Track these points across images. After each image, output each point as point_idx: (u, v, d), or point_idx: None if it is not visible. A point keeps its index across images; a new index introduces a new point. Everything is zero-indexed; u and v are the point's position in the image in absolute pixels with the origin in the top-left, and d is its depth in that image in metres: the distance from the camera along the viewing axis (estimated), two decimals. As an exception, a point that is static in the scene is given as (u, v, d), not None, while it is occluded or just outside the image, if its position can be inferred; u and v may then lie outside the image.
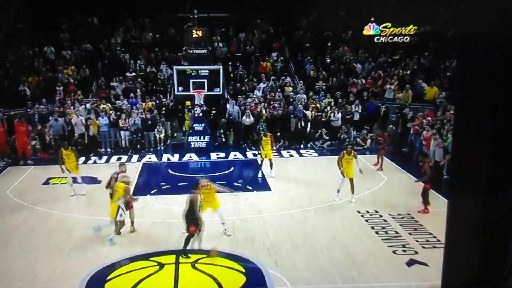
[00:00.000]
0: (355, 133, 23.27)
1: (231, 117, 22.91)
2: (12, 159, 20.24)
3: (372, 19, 27.26)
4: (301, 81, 26.76)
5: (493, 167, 2.57)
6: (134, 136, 22.04)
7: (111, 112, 22.26)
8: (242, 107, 23.11)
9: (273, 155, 18.39)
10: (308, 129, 22.69)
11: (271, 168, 17.84)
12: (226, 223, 12.77)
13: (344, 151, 15.39)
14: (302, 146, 22.49)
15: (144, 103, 23.31)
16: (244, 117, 22.51)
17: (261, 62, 27.50)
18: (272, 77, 26.20)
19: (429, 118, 20.01)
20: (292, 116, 22.73)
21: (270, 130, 21.63)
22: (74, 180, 16.28)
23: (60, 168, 15.82)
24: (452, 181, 3.31)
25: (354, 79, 26.14)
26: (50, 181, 17.57)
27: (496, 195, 2.59)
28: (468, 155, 2.71)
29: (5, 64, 25.45)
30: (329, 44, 28.86)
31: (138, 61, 27.17)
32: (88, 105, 22.98)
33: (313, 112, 22.76)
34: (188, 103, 23.85)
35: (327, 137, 22.39)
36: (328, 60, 27.84)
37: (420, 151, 18.73)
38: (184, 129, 23.82)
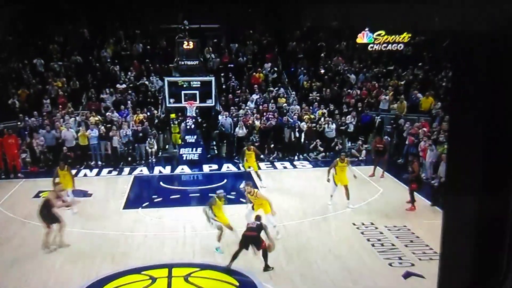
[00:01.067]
0: (350, 145, 23.18)
1: (223, 129, 22.75)
2: (2, 173, 20.05)
3: (366, 28, 27.32)
4: (293, 92, 26.69)
5: (488, 172, 2.55)
6: (125, 148, 21.79)
7: (100, 125, 22.00)
8: (235, 119, 22.98)
9: (267, 167, 18.29)
10: (302, 140, 22.57)
11: (260, 180, 17.73)
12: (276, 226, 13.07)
13: (338, 159, 15.58)
14: (296, 157, 22.35)
15: (135, 115, 23.09)
16: (237, 128, 22.36)
17: (254, 73, 27.39)
18: (267, 88, 26.13)
19: (425, 129, 19.95)
20: (286, 127, 22.60)
21: (264, 141, 21.63)
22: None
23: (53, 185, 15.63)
24: (448, 187, 3.24)
25: (349, 90, 26.09)
26: (40, 194, 17.28)
27: (491, 200, 2.57)
28: (464, 160, 2.69)
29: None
30: (322, 54, 28.82)
31: (129, 73, 27.00)
32: (78, 118, 22.79)
33: (307, 124, 22.64)
34: (173, 115, 23.63)
35: (321, 149, 22.27)
36: (322, 71, 27.77)
37: (412, 153, 18.84)
38: (172, 143, 23.61)
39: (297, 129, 22.55)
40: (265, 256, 11.29)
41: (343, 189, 15.24)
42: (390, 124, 23.06)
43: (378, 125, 23.52)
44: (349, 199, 15.36)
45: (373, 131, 23.32)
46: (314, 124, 22.81)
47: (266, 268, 11.26)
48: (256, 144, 20.69)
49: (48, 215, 12.50)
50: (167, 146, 23.81)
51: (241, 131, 22.18)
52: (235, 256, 11.29)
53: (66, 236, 13.15)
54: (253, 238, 11.35)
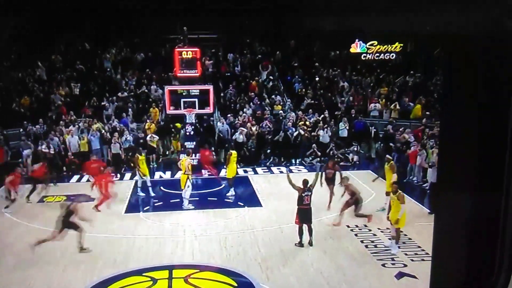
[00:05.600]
0: (343, 150, 23.49)
1: (221, 135, 23.11)
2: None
3: (358, 37, 27.73)
4: (289, 100, 27.13)
5: (480, 173, 2.58)
6: (125, 154, 22.05)
7: (102, 131, 22.35)
8: (232, 125, 23.35)
9: (263, 171, 18.71)
10: (300, 146, 22.90)
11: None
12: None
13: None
14: (292, 162, 22.70)
15: (146, 123, 23.42)
16: (236, 134, 22.66)
17: (251, 81, 27.80)
18: (263, 95, 26.51)
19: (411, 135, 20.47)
20: (282, 132, 22.96)
21: (260, 147, 22.00)
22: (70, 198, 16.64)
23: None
24: (439, 187, 3.40)
25: (342, 98, 26.51)
26: (44, 199, 17.66)
27: (483, 201, 2.60)
28: (455, 161, 2.72)
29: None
30: (316, 64, 29.26)
31: (129, 81, 27.39)
32: (80, 124, 23.12)
33: (303, 131, 22.97)
34: (178, 125, 23.97)
35: (319, 153, 22.61)
36: (317, 79, 28.17)
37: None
38: (172, 149, 23.94)
39: (293, 135, 22.88)
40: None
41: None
42: (383, 131, 23.39)
43: (374, 132, 23.79)
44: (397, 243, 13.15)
45: (370, 139, 23.63)
46: (309, 130, 23.15)
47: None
48: (253, 149, 21.11)
49: (67, 221, 12.66)
50: (167, 152, 24.16)
51: (240, 137, 22.48)
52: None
53: (69, 239, 13.49)
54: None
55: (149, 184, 18.09)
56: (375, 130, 23.99)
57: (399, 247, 12.70)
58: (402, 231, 13.29)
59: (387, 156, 17.08)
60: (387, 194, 14.70)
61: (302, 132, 22.78)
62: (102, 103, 25.56)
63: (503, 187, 2.51)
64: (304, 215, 13.06)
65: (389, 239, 13.18)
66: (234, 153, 18.29)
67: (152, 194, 17.93)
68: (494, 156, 2.49)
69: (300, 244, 13.04)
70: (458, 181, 2.71)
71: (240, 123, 23.39)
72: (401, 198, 12.60)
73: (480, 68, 2.50)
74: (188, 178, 16.34)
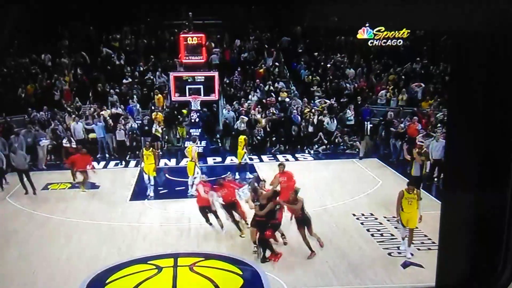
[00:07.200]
0: (350, 138, 23.34)
1: (227, 121, 23.03)
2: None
3: (366, 23, 27.45)
4: (293, 87, 26.98)
5: (487, 167, 2.58)
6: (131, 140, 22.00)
7: (107, 118, 22.28)
8: (237, 113, 23.26)
9: (269, 159, 18.85)
10: (306, 133, 22.75)
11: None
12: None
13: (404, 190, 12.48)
14: (298, 149, 22.62)
15: (154, 113, 23.18)
16: (238, 122, 22.54)
17: (256, 68, 27.65)
18: (268, 82, 26.37)
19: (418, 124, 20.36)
20: (288, 120, 22.85)
21: (267, 135, 21.94)
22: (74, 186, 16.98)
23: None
24: (447, 181, 3.36)
25: (348, 84, 26.32)
26: (49, 186, 17.69)
27: (489, 195, 2.60)
28: (462, 155, 2.72)
29: (2, 70, 25.60)
30: (323, 49, 29.03)
31: (136, 67, 27.33)
32: (87, 112, 23.09)
33: (310, 117, 22.82)
34: (185, 112, 23.91)
35: (325, 141, 22.48)
36: (323, 65, 27.99)
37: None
38: (178, 136, 23.87)
39: (302, 123, 22.77)
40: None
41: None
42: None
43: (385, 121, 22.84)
44: (410, 247, 12.05)
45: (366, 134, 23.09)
46: (316, 117, 22.97)
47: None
48: (259, 137, 21.03)
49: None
50: (172, 139, 24.08)
51: (242, 125, 22.32)
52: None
53: (72, 227, 13.58)
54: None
55: (148, 182, 16.72)
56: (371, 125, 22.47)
57: (412, 254, 11.85)
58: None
59: (419, 142, 16.88)
60: (415, 181, 13.48)
61: (309, 119, 22.62)
62: (108, 90, 25.47)
63: (510, 182, 2.50)
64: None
65: (399, 248, 12.29)
66: (240, 137, 18.82)
67: (150, 194, 16.69)
68: (502, 150, 2.49)
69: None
70: (465, 175, 2.71)
71: (245, 110, 23.25)
72: (418, 195, 11.83)
73: (488, 63, 2.48)
74: (196, 165, 16.36)
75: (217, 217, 13.02)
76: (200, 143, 21.82)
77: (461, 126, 2.72)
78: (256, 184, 12.72)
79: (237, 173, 18.46)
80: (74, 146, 19.28)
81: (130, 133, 21.68)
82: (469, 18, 2.34)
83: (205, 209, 13.06)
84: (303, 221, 11.69)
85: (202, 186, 13.21)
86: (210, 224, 13.20)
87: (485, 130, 2.53)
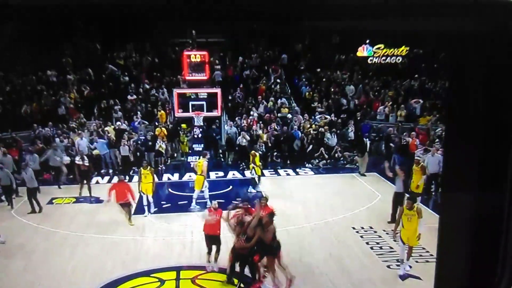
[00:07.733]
0: (350, 152, 23.57)
1: (230, 136, 23.29)
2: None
3: (367, 41, 27.84)
4: (294, 103, 27.34)
5: (485, 173, 2.54)
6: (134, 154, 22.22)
7: (110, 134, 22.54)
8: (239, 129, 23.54)
9: (270, 174, 19.08)
10: (307, 148, 23.02)
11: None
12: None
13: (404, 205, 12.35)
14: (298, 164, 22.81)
15: (157, 129, 23.39)
16: (239, 137, 22.78)
17: (258, 85, 28.01)
18: (270, 98, 26.68)
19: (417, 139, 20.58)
20: (289, 136, 23.11)
21: (268, 149, 22.24)
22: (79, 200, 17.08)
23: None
24: (444, 188, 3.38)
25: (349, 100, 26.65)
26: (53, 201, 17.90)
27: (488, 202, 2.57)
28: (460, 162, 2.68)
29: (8, 88, 25.97)
30: (323, 66, 29.42)
31: (140, 85, 27.68)
32: (91, 127, 23.39)
33: (311, 133, 23.11)
34: (184, 126, 24.21)
35: (326, 156, 22.74)
36: (324, 81, 28.32)
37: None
38: (181, 151, 24.13)
39: (302, 138, 23.01)
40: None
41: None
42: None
43: (386, 136, 23.29)
44: (408, 260, 11.95)
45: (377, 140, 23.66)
46: (316, 132, 23.29)
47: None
48: (260, 152, 21.34)
49: None
50: (175, 154, 24.35)
51: (244, 140, 22.63)
52: None
53: (77, 240, 13.77)
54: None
55: (147, 201, 16.40)
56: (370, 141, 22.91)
57: (410, 266, 11.90)
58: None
59: (417, 157, 17.05)
60: (412, 196, 13.43)
61: (311, 135, 22.92)
62: (112, 106, 25.79)
63: (507, 187, 2.48)
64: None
65: (398, 261, 12.19)
66: (251, 153, 19.24)
67: (146, 214, 16.33)
68: (500, 155, 2.47)
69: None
70: (463, 182, 2.68)
71: (246, 126, 23.54)
72: (419, 212, 11.55)
73: (486, 69, 2.47)
74: (204, 179, 16.62)
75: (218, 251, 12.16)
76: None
77: (458, 133, 2.70)
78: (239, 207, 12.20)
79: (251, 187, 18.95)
80: (87, 163, 19.05)
81: (133, 148, 21.91)
82: (467, 26, 2.33)
83: (212, 238, 12.17)
84: (271, 249, 10.74)
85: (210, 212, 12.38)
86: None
87: (482, 136, 2.51)
